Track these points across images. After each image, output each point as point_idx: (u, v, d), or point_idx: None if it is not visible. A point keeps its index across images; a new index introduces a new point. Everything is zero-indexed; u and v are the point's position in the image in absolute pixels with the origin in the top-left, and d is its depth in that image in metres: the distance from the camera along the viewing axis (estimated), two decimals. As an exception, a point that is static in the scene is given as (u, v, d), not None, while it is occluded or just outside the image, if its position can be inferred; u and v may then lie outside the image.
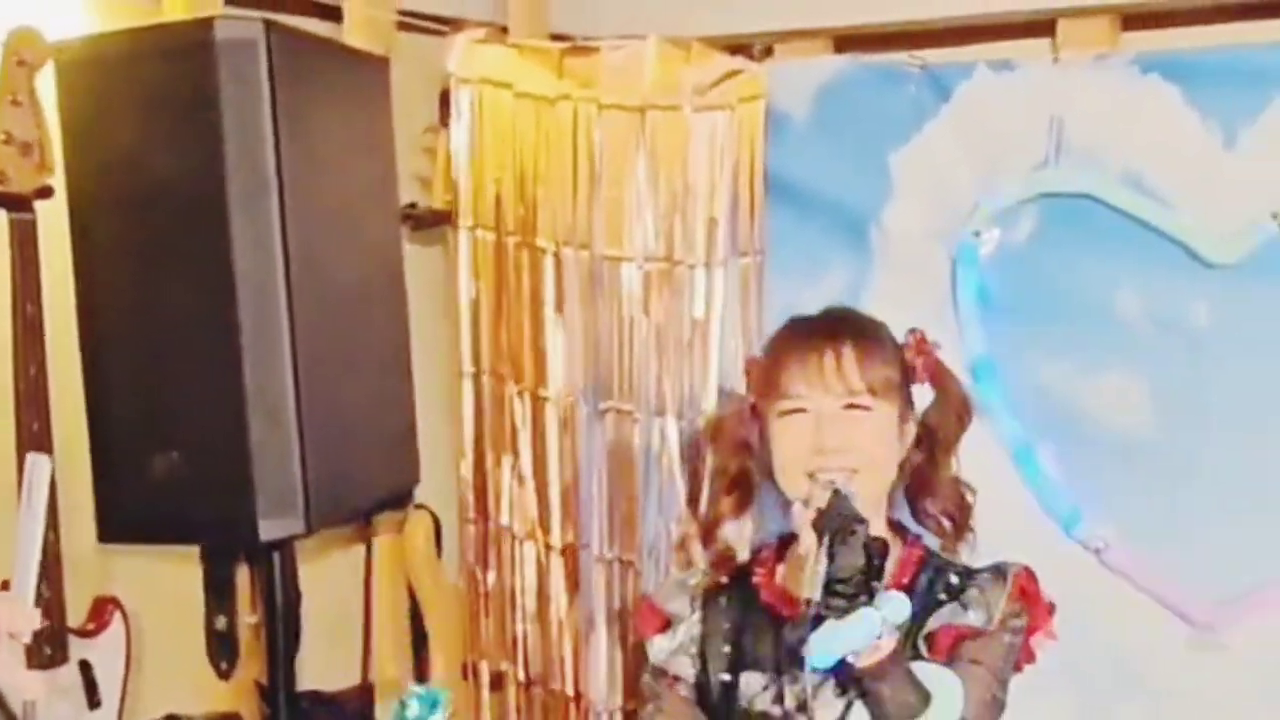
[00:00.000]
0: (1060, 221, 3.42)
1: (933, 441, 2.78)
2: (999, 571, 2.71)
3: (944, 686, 2.53)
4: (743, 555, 2.84)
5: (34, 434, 3.17)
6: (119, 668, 3.34)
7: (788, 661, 2.66)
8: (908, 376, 2.74)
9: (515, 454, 3.92)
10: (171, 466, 3.18)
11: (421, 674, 4.26)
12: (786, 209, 3.64)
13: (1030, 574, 2.73)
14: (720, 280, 3.68)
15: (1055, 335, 3.40)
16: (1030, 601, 2.70)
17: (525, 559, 3.92)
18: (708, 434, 2.88)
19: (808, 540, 2.49)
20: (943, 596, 2.67)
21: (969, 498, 2.81)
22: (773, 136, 3.63)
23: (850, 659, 2.47)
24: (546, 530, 3.88)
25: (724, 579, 2.79)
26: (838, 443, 2.62)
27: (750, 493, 2.80)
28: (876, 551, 2.46)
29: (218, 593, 3.81)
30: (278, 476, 3.14)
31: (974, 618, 2.64)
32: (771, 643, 2.71)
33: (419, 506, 4.24)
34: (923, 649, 2.61)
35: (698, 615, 2.77)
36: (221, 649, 3.81)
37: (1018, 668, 2.71)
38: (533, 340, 3.88)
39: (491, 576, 3.98)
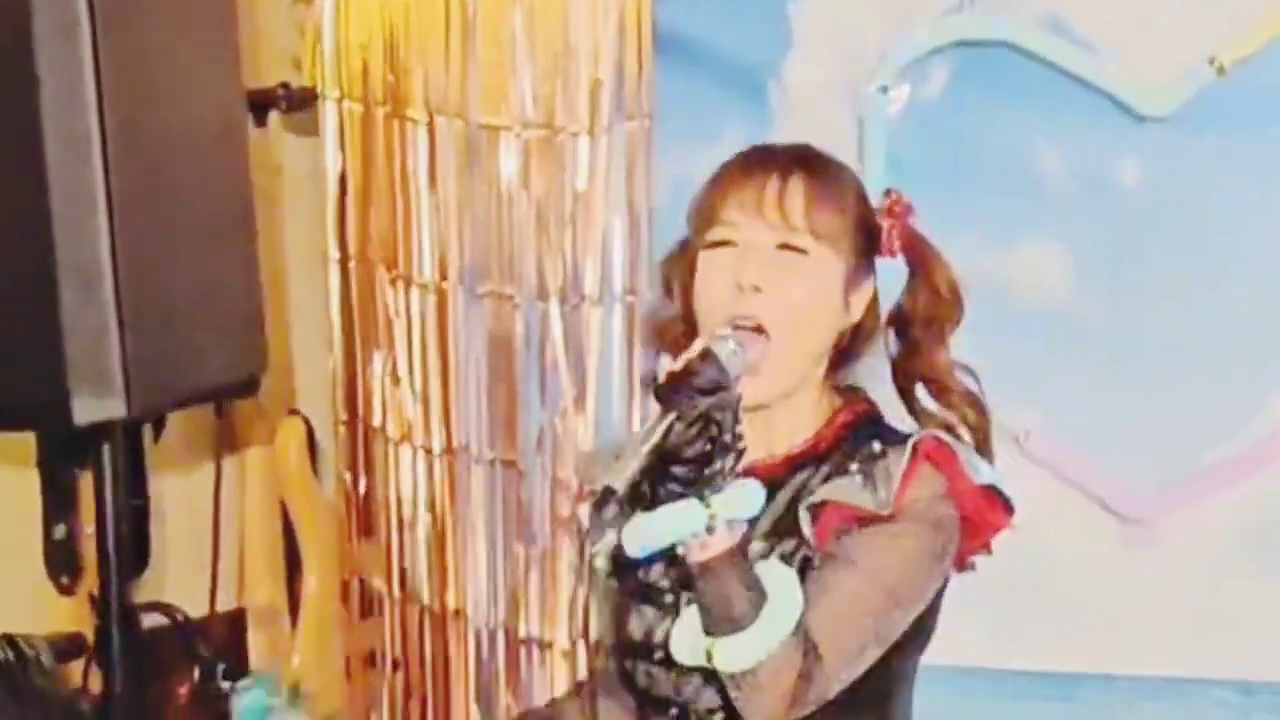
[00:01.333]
0: (975, 74, 3.22)
1: (914, 331, 2.39)
2: (903, 438, 2.32)
3: (784, 591, 2.23)
4: None
5: None
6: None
7: None
8: (870, 238, 2.37)
9: (389, 348, 3.65)
10: (-24, 342, 2.91)
11: (294, 598, 4.00)
12: (677, 68, 3.42)
13: (941, 446, 2.30)
14: (605, 148, 3.42)
15: (969, 201, 3.20)
16: (953, 482, 2.28)
17: (401, 464, 3.65)
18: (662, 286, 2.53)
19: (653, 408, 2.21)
20: (853, 467, 2.31)
21: (977, 392, 2.40)
22: (661, -13, 3.40)
23: (681, 551, 2.20)
24: (425, 432, 3.61)
25: None
26: (759, 280, 2.27)
27: None
28: (726, 432, 2.17)
29: (56, 499, 3.53)
30: (93, 353, 2.86)
31: (868, 497, 2.26)
32: None
33: (292, 412, 3.99)
34: (806, 527, 2.30)
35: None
36: (61, 562, 3.53)
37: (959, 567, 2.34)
38: (405, 221, 3.61)
39: (364, 484, 3.72)
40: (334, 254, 3.72)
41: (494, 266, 3.52)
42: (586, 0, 3.40)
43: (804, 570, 2.26)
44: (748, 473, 2.25)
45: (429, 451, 3.62)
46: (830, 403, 2.40)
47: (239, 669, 3.48)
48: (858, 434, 2.36)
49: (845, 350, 2.41)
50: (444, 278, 3.58)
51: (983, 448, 2.38)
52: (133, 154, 2.91)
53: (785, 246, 2.31)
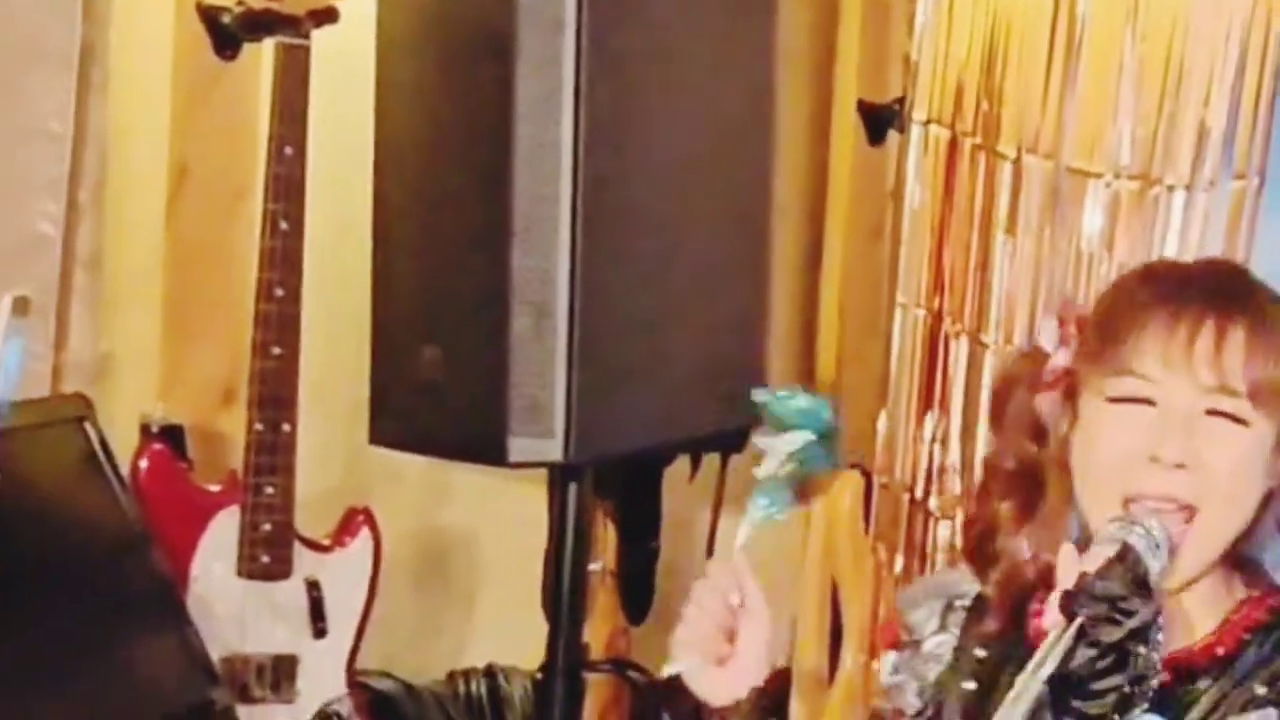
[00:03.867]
0: None
1: None
2: None
3: None
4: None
5: (279, 299, 2.78)
6: (357, 595, 2.91)
7: None
8: None
9: (942, 411, 3.26)
10: (436, 364, 2.73)
11: (831, 665, 3.67)
12: (1299, 121, 2.86)
13: None
14: (1202, 208, 2.91)
15: None
16: None
17: (939, 544, 3.26)
18: (991, 405, 2.09)
19: (1050, 618, 1.77)
20: (1261, 690, 1.83)
21: None
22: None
23: None
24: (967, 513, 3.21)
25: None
26: (1184, 457, 1.82)
27: (1036, 498, 1.98)
28: (1141, 664, 1.71)
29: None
30: (536, 385, 2.65)
31: None
32: None
33: (853, 465, 3.65)
34: None
35: (947, 637, 2.05)
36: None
37: None
38: (979, 270, 3.21)
39: (899, 561, 3.34)
40: (900, 299, 3.36)
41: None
42: (1206, 29, 2.90)
43: None
44: None
45: (969, 536, 3.21)
46: (1231, 589, 1.91)
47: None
48: (1263, 640, 1.87)
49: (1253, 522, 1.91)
50: (1009, 340, 3.16)
51: None
52: (609, 171, 2.68)
53: (1216, 413, 1.83)
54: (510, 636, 3.43)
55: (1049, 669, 1.70)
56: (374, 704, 3.12)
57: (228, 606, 2.81)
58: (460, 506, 3.43)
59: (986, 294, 3.22)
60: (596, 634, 3.48)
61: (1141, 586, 1.73)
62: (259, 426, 2.80)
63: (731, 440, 3.00)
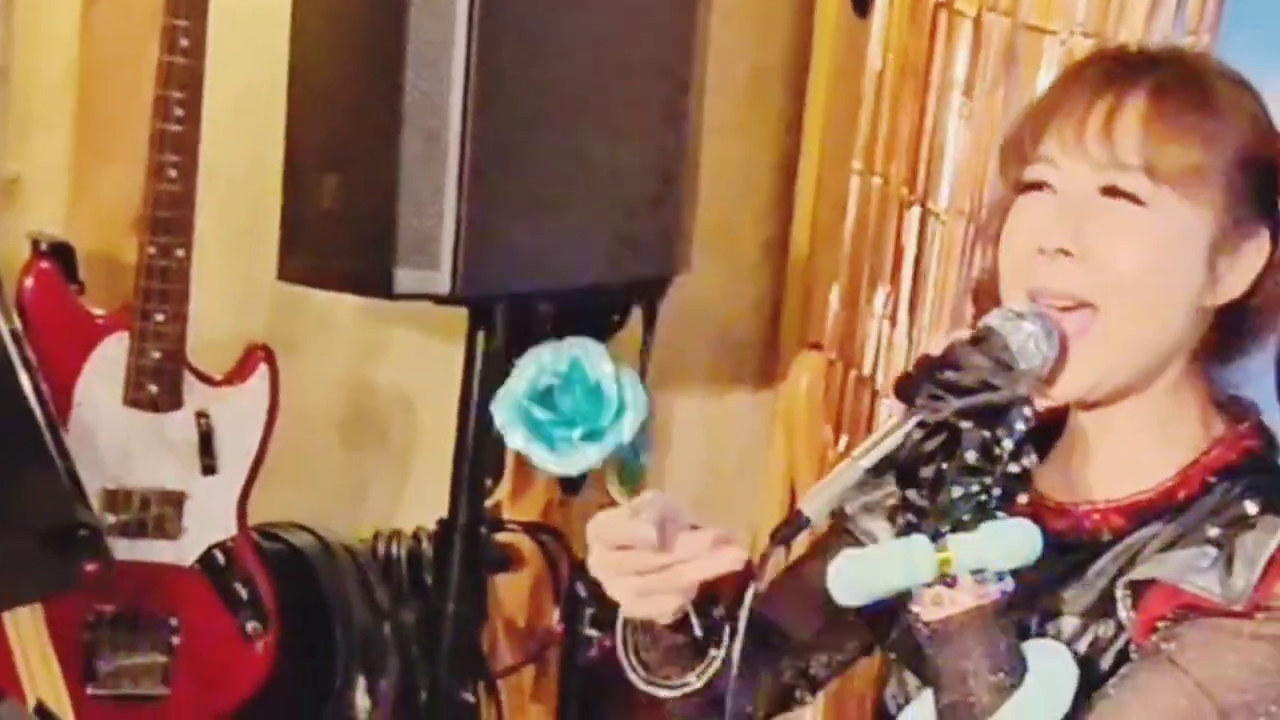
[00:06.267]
0: None
1: None
2: None
3: (1050, 681, 1.64)
4: None
5: (178, 119, 2.71)
6: (251, 433, 2.83)
7: None
8: (1265, 180, 1.74)
9: (893, 284, 3.14)
10: (336, 194, 2.66)
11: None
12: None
13: None
14: (1154, 68, 2.76)
15: None
16: None
17: (880, 423, 3.14)
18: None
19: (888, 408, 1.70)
20: (1213, 532, 1.68)
21: None
22: None
23: (917, 608, 1.65)
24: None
25: None
26: (1067, 242, 1.68)
27: None
28: (972, 448, 1.58)
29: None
30: (426, 215, 2.56)
31: (1214, 581, 1.65)
32: None
33: (814, 346, 3.53)
34: (1123, 610, 1.69)
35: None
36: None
37: None
38: (932, 134, 3.09)
39: (844, 441, 3.23)
40: (857, 166, 3.24)
41: (1009, 200, 2.95)
42: None
43: (1119, 664, 1.71)
44: (1067, 520, 1.75)
45: (914, 416, 3.09)
46: (1207, 427, 1.77)
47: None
48: (1233, 482, 1.72)
49: (1219, 343, 1.77)
50: (960, 209, 3.04)
51: None
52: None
53: (1111, 191, 1.69)
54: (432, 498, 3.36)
55: (873, 457, 1.60)
56: (283, 556, 3.06)
57: (112, 436, 2.76)
58: (397, 362, 3.34)
59: (939, 160, 3.10)
60: (532, 504, 3.41)
61: (989, 374, 1.61)
62: (151, 251, 2.74)
63: (646, 290, 2.91)
